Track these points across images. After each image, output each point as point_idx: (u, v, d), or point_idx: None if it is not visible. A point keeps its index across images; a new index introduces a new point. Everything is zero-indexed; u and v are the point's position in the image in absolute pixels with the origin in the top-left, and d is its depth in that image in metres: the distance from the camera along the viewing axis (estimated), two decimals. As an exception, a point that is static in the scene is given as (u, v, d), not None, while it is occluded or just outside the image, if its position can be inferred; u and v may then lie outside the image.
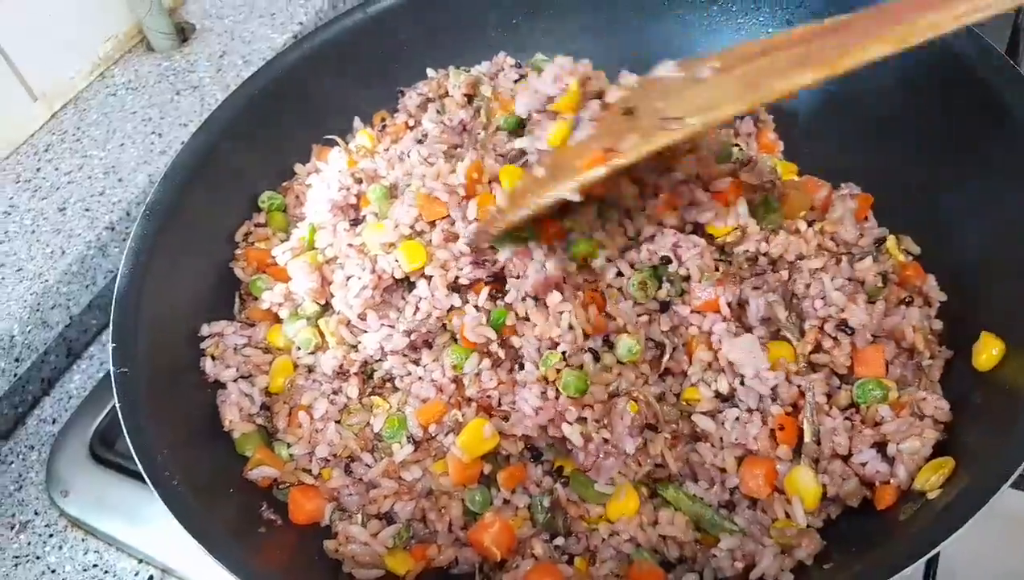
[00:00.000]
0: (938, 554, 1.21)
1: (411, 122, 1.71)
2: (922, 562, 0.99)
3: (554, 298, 1.33)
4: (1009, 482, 0.98)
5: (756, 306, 1.31)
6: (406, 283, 1.45)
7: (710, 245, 1.38)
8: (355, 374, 1.42)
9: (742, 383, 1.26)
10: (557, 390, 1.26)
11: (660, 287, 1.36)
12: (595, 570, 1.21)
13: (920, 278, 1.39)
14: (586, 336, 1.31)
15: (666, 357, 1.32)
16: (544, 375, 1.28)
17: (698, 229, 1.40)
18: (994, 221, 1.32)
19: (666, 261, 1.35)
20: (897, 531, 1.09)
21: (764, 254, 1.38)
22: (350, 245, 1.46)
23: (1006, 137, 1.30)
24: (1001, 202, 1.30)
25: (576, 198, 1.21)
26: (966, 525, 0.97)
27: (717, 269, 1.36)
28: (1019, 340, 1.18)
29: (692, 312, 1.33)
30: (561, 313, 1.32)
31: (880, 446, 1.20)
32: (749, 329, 1.31)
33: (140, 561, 1.49)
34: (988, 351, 1.19)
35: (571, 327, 1.30)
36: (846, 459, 1.21)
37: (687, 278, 1.35)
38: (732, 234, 1.40)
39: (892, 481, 1.17)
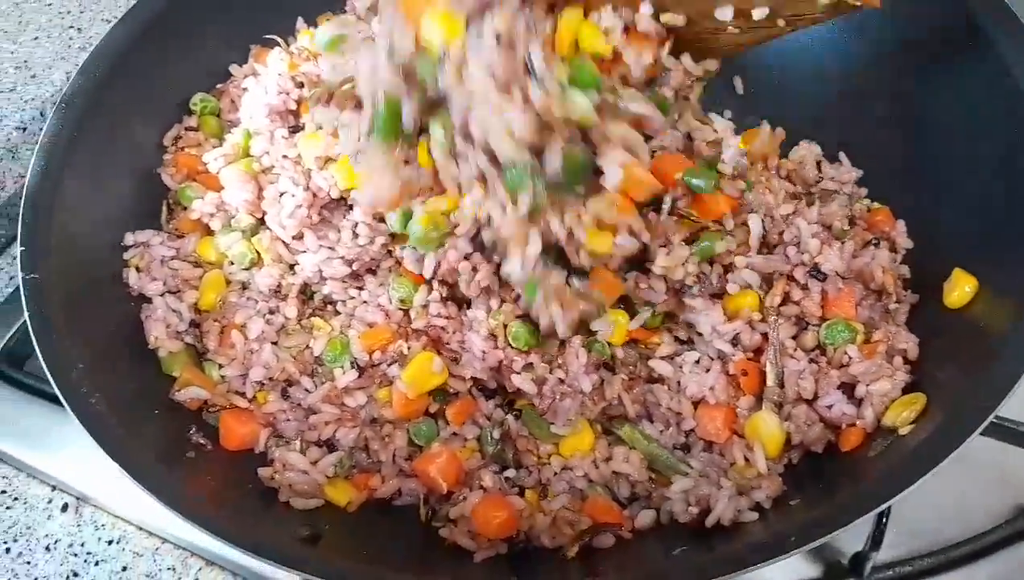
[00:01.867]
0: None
1: (360, 26, 1.59)
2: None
3: None
4: (986, 422, 0.96)
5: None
6: (345, 202, 1.35)
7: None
8: (294, 297, 1.33)
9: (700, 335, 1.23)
10: (507, 340, 1.20)
11: None
12: (546, 504, 1.17)
13: (889, 224, 1.36)
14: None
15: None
16: (492, 331, 1.21)
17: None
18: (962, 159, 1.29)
19: None
20: (868, 469, 1.07)
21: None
22: (285, 157, 1.36)
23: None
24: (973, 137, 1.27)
25: None
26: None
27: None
28: (988, 278, 1.16)
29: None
30: None
31: (847, 388, 1.18)
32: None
33: (54, 488, 1.39)
34: (960, 288, 1.17)
35: None
36: (811, 403, 1.19)
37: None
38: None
39: (858, 423, 1.14)
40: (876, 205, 1.40)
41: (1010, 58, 1.21)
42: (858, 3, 1.05)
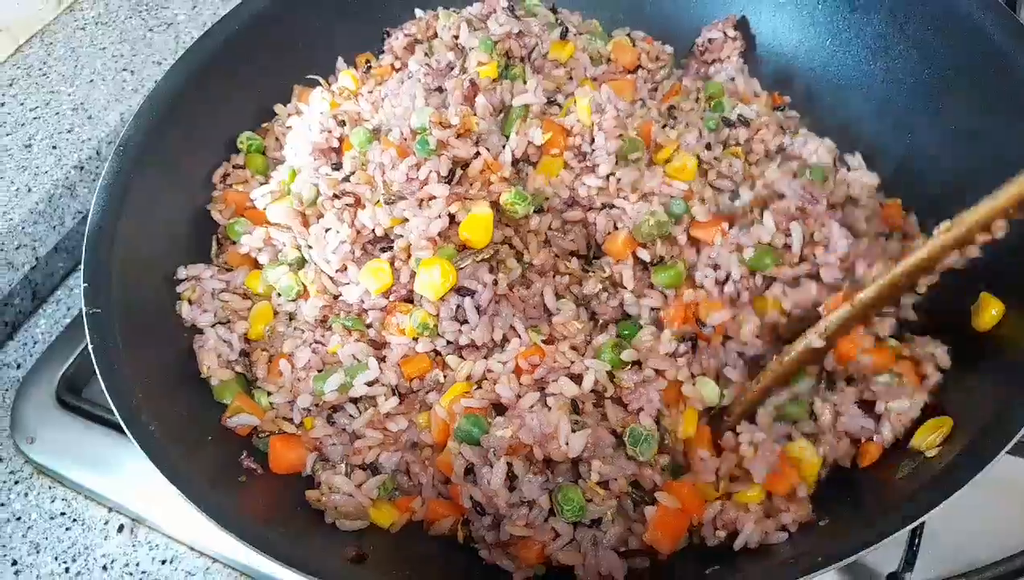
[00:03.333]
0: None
1: (397, 64, 1.65)
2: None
3: None
4: (1010, 445, 0.97)
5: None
6: (388, 238, 1.38)
7: None
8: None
9: None
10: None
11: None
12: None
13: (900, 217, 1.40)
14: None
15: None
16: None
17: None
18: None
19: None
20: (895, 490, 1.08)
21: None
22: (334, 196, 1.40)
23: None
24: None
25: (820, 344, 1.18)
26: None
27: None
28: (1015, 301, 1.17)
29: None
30: None
31: (865, 404, 1.20)
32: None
33: (110, 510, 1.45)
34: (988, 312, 1.18)
35: None
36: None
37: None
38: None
39: (876, 438, 1.16)
40: (888, 200, 1.43)
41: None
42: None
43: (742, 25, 1.68)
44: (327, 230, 1.38)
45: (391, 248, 1.35)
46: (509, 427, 1.13)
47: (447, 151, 1.35)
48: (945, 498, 0.97)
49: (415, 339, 1.31)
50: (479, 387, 1.27)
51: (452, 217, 1.33)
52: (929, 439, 1.09)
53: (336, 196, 1.36)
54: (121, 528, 1.43)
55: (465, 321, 1.30)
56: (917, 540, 1.20)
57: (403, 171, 1.34)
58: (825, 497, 1.16)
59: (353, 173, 1.37)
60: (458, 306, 1.30)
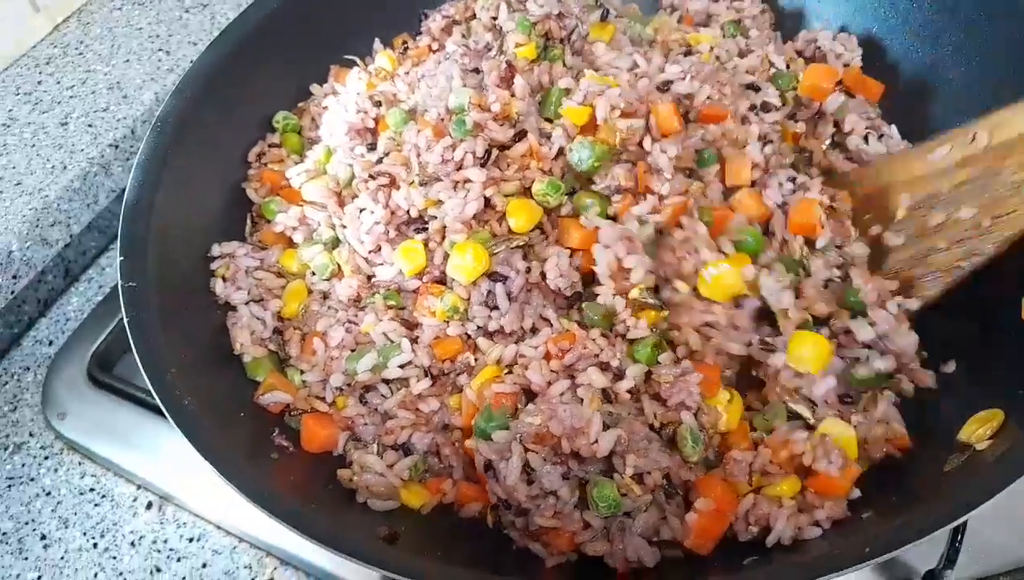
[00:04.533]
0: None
1: (434, 46, 1.64)
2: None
3: None
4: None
5: None
6: (422, 219, 1.37)
7: None
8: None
9: None
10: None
11: None
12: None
13: None
14: None
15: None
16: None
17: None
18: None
19: None
20: (942, 483, 1.05)
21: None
22: (369, 176, 1.39)
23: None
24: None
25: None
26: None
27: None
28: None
29: None
30: None
31: None
32: None
33: (139, 487, 1.45)
34: (1039, 304, 1.15)
35: None
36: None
37: None
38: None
39: None
40: None
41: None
42: None
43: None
44: (361, 210, 1.37)
45: (426, 229, 1.34)
46: (539, 415, 1.12)
47: (484, 133, 1.33)
48: (992, 495, 0.94)
49: (446, 322, 1.30)
50: (509, 372, 1.25)
51: (488, 200, 1.32)
52: (978, 432, 1.07)
53: (371, 177, 1.35)
54: (149, 505, 1.43)
55: (496, 307, 1.29)
56: (960, 537, 1.17)
57: (439, 152, 1.33)
58: (868, 490, 1.13)
59: (388, 154, 1.36)
60: (489, 292, 1.29)
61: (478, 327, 1.30)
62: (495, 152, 1.33)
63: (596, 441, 1.10)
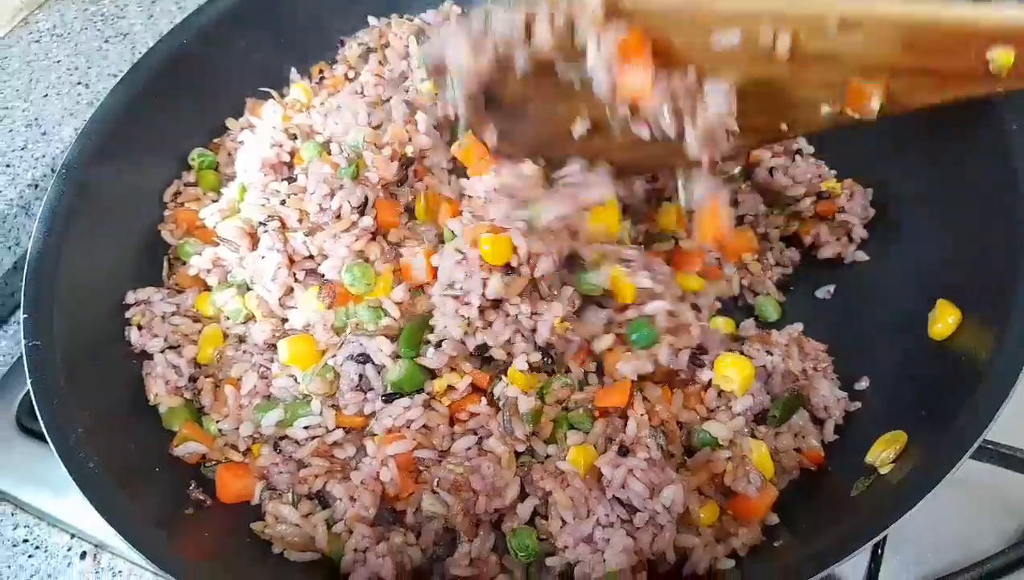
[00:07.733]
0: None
1: (350, 74, 1.62)
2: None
3: None
4: (964, 459, 0.95)
5: None
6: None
7: None
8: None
9: None
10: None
11: None
12: None
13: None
14: None
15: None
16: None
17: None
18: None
19: None
20: (850, 509, 1.06)
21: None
22: (268, 218, 1.34)
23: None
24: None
25: None
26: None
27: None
28: (971, 308, 1.15)
29: None
30: None
31: None
32: None
33: (72, 536, 1.43)
34: (944, 320, 1.16)
35: None
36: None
37: None
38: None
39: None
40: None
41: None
42: (856, 116, 1.02)
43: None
44: (263, 257, 1.34)
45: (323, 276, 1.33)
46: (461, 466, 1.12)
47: (368, 176, 1.31)
48: (896, 519, 0.94)
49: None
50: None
51: (362, 253, 1.30)
52: (883, 455, 1.07)
53: (270, 218, 1.33)
54: (84, 555, 1.41)
55: (371, 388, 1.25)
56: (880, 551, 1.19)
57: (316, 200, 1.31)
58: (783, 513, 1.14)
59: (292, 195, 1.34)
60: (361, 375, 1.24)
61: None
62: (371, 200, 1.31)
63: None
